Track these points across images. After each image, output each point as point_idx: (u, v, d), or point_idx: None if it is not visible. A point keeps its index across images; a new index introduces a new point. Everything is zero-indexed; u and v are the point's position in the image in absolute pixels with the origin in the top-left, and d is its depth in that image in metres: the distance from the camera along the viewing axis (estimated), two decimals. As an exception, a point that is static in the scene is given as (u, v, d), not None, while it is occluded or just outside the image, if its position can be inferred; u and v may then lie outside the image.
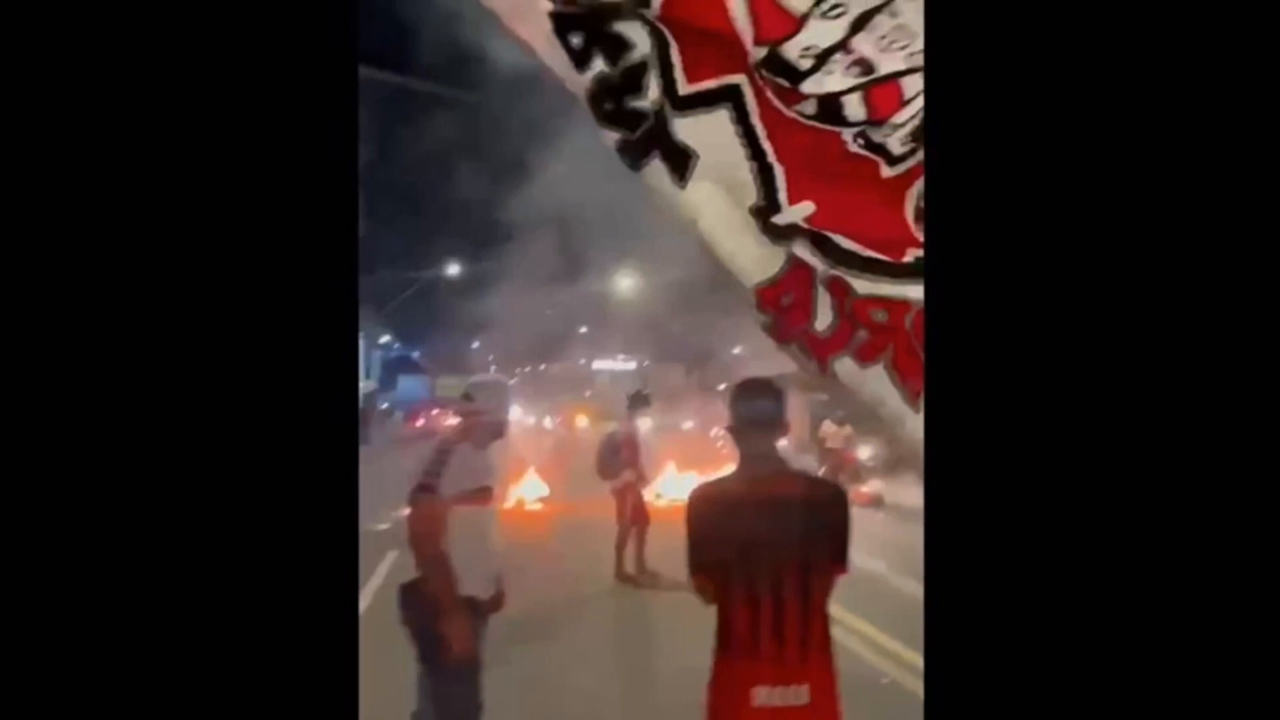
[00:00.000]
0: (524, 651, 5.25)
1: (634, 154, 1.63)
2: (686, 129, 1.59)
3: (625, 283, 32.24)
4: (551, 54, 1.64)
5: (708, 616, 2.30)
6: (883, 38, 1.53)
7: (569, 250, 29.16)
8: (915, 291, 1.54)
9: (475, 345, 45.17)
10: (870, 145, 1.61)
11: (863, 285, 1.60)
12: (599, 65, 1.61)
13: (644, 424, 9.32)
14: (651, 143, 1.61)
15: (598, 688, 5.09)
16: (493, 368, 39.23)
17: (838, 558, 2.30)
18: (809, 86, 1.58)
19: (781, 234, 1.62)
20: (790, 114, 1.60)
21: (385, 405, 38.86)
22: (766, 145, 1.59)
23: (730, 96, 1.59)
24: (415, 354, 47.17)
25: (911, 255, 1.58)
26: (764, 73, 1.59)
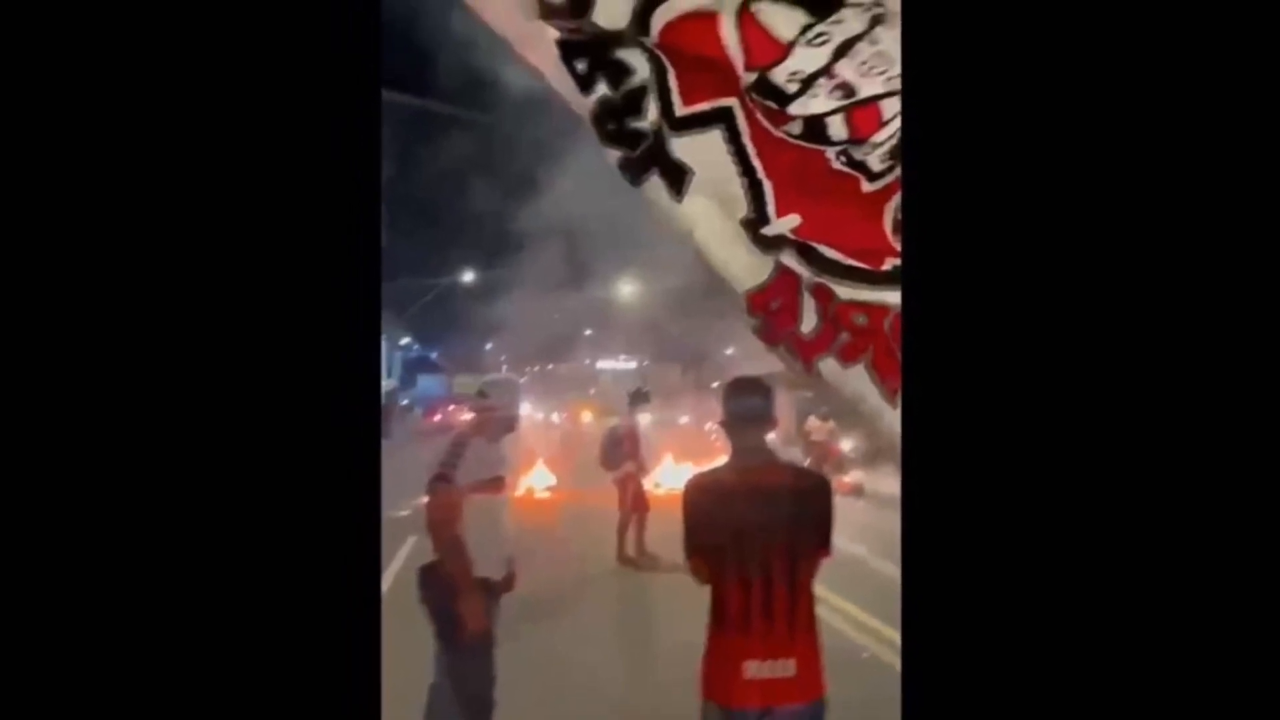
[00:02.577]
0: (533, 629, 5.24)
1: (634, 170, 1.63)
2: (683, 147, 1.60)
3: (626, 289, 32.27)
4: (559, 79, 1.64)
5: (702, 596, 2.30)
6: (863, 63, 1.53)
7: (575, 259, 29.19)
8: (893, 297, 1.54)
9: (489, 347, 45.03)
10: (852, 162, 1.61)
11: (845, 291, 1.60)
12: (602, 89, 1.61)
13: (644, 419, 9.31)
14: (650, 160, 1.61)
15: (601, 661, 5.10)
16: (505, 367, 39.22)
17: (822, 542, 2.30)
18: (795, 108, 1.57)
19: (770, 244, 1.62)
20: (778, 134, 1.60)
21: (406, 402, 38.75)
22: (756, 162, 1.59)
23: (723, 118, 1.59)
24: (433, 354, 47.01)
25: (890, 264, 1.58)
26: (754, 96, 1.58)
